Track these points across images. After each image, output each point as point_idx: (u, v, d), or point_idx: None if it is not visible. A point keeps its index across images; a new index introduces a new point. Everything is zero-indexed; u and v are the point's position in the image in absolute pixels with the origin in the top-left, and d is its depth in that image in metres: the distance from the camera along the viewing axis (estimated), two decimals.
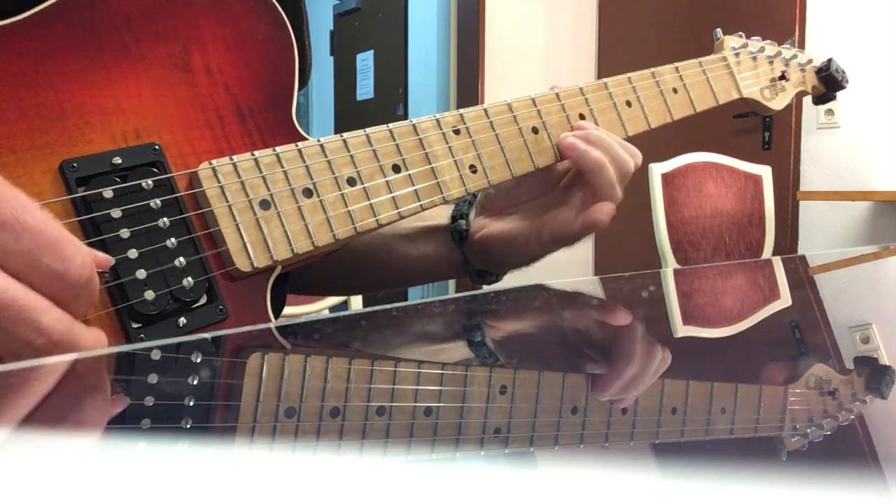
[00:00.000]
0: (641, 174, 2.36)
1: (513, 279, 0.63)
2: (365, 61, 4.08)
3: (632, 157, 0.62)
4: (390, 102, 3.88)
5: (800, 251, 2.78)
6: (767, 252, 2.42)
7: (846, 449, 0.25)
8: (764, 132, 2.88)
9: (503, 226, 0.64)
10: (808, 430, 0.26)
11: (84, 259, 0.36)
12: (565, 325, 0.50)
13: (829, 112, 2.80)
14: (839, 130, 2.79)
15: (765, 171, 2.47)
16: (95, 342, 0.36)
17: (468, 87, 3.27)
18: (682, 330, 0.48)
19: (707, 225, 2.38)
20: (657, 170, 2.31)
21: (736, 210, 2.42)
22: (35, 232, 0.34)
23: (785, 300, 0.62)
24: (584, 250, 3.33)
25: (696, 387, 0.32)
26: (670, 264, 2.28)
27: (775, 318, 0.51)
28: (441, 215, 0.68)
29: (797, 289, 0.69)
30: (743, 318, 0.52)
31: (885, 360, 0.39)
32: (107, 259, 0.39)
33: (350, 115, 4.17)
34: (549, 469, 0.23)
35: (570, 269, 3.14)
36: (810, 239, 2.82)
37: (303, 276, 0.63)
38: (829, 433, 0.26)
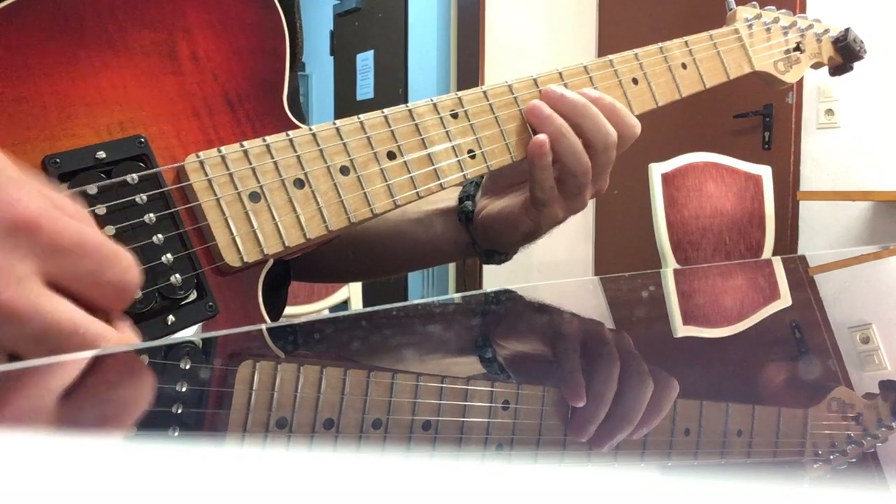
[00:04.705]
0: (641, 174, 2.36)
1: (512, 279, 0.63)
2: (365, 61, 4.07)
3: (625, 126, 0.60)
4: (390, 102, 3.83)
5: (800, 251, 2.78)
6: (767, 252, 2.41)
7: (867, 476, 0.24)
8: (764, 132, 2.88)
9: (501, 203, 0.64)
10: (831, 456, 0.25)
11: (135, 266, 0.36)
12: (566, 332, 0.49)
13: (829, 112, 2.79)
14: (839, 130, 2.79)
15: (765, 171, 2.47)
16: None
17: (468, 87, 3.26)
18: (682, 330, 0.47)
19: (707, 225, 2.37)
20: (657, 170, 2.31)
21: (736, 210, 2.42)
22: (97, 249, 0.34)
23: (785, 300, 0.61)
24: (584, 250, 3.32)
25: (710, 407, 0.31)
26: (670, 264, 2.27)
27: (775, 319, 0.51)
28: (450, 197, 0.67)
29: (797, 289, 0.69)
30: (743, 318, 0.52)
31: (885, 360, 0.38)
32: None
33: (350, 115, 4.14)
34: (549, 483, 0.22)
35: (570, 269, 3.14)
36: (810, 239, 2.81)
37: (312, 262, 0.62)
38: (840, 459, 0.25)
